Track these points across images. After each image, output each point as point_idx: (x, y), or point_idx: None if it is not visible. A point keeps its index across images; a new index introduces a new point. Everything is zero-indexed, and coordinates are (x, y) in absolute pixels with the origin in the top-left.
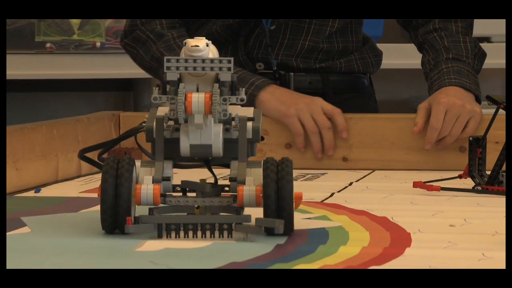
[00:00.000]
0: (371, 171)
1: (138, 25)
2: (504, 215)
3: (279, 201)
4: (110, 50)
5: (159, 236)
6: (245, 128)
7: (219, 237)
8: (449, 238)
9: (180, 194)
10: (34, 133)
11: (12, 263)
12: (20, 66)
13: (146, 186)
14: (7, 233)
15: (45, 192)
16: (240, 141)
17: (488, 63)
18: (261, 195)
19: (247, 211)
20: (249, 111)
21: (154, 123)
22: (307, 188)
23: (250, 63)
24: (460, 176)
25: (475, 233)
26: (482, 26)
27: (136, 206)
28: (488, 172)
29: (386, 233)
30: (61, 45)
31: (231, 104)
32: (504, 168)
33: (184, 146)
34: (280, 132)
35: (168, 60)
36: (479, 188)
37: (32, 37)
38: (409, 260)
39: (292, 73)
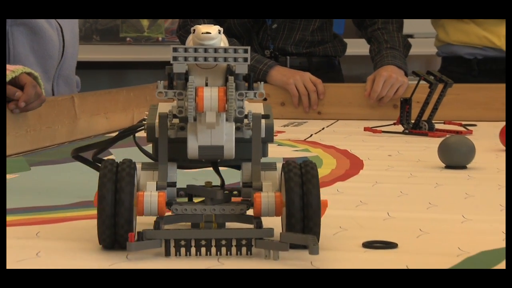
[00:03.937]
0: (336, 120)
1: (188, 22)
2: (424, 150)
3: (304, 209)
4: (168, 43)
5: (167, 254)
6: (259, 127)
7: (237, 254)
8: (388, 164)
9: (185, 199)
10: (118, 95)
11: None
12: (109, 53)
13: (149, 194)
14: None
15: None
16: (254, 142)
17: (412, 51)
18: (281, 202)
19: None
20: (258, 107)
21: (156, 121)
22: (295, 131)
23: (261, 50)
24: (394, 124)
25: (405, 160)
26: (409, 26)
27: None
28: (413, 121)
29: (347, 160)
30: (136, 39)
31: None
32: (423, 117)
33: (192, 148)
34: (277, 94)
35: (175, 49)
36: (407, 131)
37: (117, 34)
38: (363, 177)
39: (288, 57)
